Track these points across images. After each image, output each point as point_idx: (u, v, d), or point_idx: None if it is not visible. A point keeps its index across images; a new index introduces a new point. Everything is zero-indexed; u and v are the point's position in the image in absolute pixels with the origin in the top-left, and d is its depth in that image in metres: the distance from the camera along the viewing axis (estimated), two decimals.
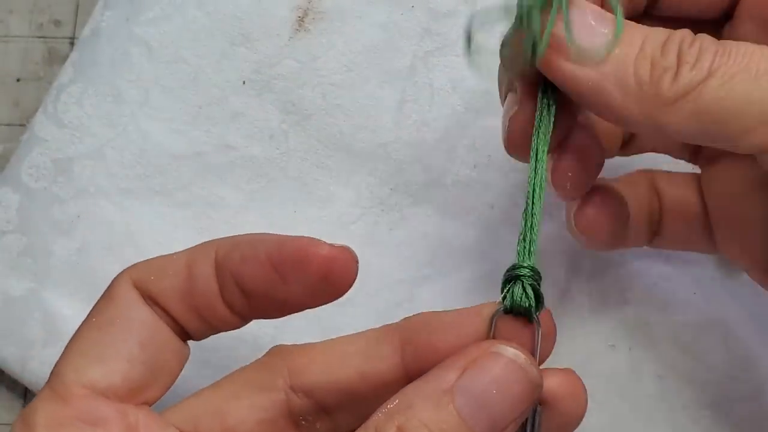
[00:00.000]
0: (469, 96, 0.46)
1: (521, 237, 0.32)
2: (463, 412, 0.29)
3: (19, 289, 0.45)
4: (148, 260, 0.35)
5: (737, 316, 0.44)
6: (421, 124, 0.46)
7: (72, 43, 0.50)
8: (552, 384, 0.32)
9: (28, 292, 0.45)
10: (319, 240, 0.33)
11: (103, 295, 0.34)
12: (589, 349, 0.44)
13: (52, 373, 0.33)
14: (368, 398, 0.33)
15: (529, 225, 0.32)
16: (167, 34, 0.47)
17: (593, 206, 0.38)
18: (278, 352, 0.34)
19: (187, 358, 0.35)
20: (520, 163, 0.45)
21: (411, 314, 0.34)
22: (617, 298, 0.44)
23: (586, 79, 0.31)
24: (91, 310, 0.34)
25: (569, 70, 0.31)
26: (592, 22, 0.31)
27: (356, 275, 0.33)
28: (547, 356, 0.33)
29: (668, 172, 0.41)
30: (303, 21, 0.47)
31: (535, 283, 0.32)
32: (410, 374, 0.32)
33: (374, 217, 0.45)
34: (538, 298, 0.31)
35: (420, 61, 0.46)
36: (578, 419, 0.33)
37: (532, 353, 0.31)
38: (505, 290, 0.32)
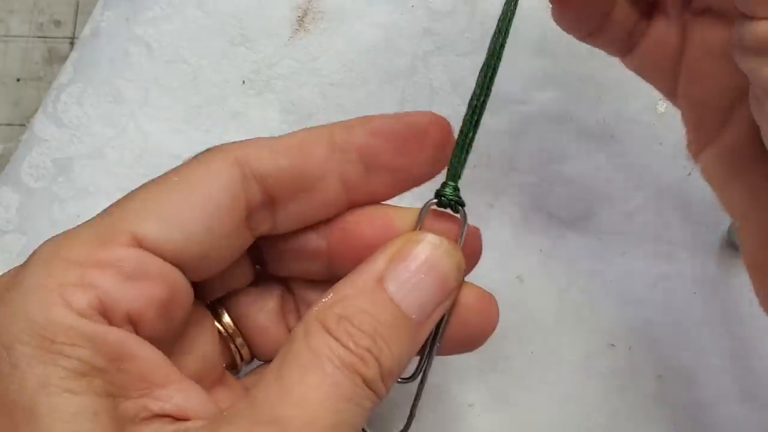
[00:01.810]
0: (468, 95, 0.45)
1: (453, 155, 0.34)
2: (396, 296, 0.30)
3: None
4: (252, 140, 0.33)
5: (736, 316, 0.44)
6: None
7: (72, 43, 0.50)
8: (469, 296, 0.33)
9: None
10: (430, 112, 0.34)
11: (193, 161, 0.32)
12: (589, 349, 0.44)
13: (101, 212, 0.31)
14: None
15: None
16: (167, 34, 0.47)
17: None
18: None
19: (236, 257, 0.33)
20: (519, 163, 0.46)
21: None
22: (617, 297, 0.44)
23: None
24: (173, 169, 0.32)
25: None
26: None
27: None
28: (470, 269, 0.34)
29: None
30: (303, 21, 0.47)
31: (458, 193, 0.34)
32: (332, 250, 0.34)
33: None
34: (462, 203, 0.34)
35: (420, 61, 0.47)
36: (484, 335, 0.34)
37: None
38: (435, 192, 0.34)
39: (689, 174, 0.45)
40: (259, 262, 0.36)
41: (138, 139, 0.46)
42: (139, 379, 0.29)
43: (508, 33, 0.35)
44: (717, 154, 0.36)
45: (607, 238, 0.45)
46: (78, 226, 0.30)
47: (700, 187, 0.45)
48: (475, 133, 0.35)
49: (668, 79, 0.39)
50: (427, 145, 0.34)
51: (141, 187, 0.32)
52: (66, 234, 0.30)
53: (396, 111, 0.46)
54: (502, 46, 0.35)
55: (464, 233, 0.34)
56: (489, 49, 0.35)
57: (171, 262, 0.31)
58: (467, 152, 0.34)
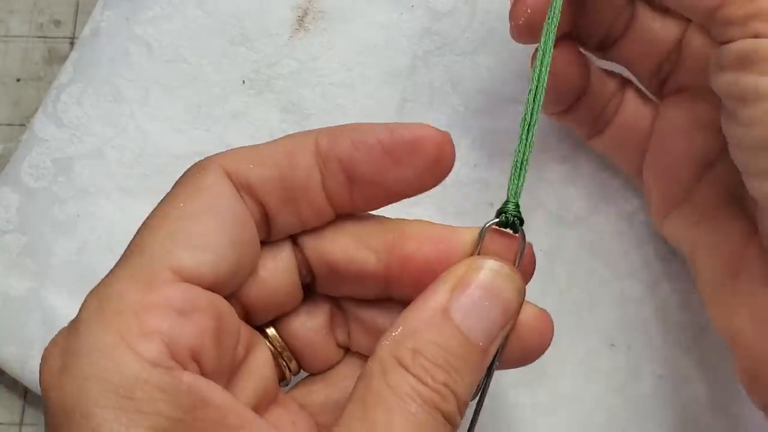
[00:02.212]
0: (468, 96, 0.46)
1: (513, 175, 0.35)
2: (463, 326, 0.31)
3: (19, 289, 0.45)
4: (237, 150, 0.33)
5: None
6: None
7: (72, 43, 0.50)
8: (526, 314, 0.33)
9: (28, 292, 0.45)
10: (426, 123, 0.34)
11: (185, 182, 0.33)
12: (588, 348, 0.44)
13: (126, 254, 0.31)
14: (346, 278, 0.34)
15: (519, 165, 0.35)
16: (167, 34, 0.47)
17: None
18: None
19: (256, 264, 0.34)
20: None
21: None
22: (617, 297, 0.44)
23: None
24: (169, 196, 0.32)
25: None
26: None
27: (454, 161, 0.34)
28: (528, 278, 0.34)
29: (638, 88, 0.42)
30: (303, 20, 0.47)
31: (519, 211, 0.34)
32: (389, 277, 0.34)
33: None
34: (522, 221, 0.34)
35: (420, 61, 0.46)
36: (540, 351, 0.35)
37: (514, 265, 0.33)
38: (498, 211, 0.34)
39: None
40: (309, 282, 0.36)
41: (138, 139, 0.46)
42: (216, 426, 0.29)
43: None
44: (683, 215, 0.39)
45: (608, 239, 0.45)
46: (112, 272, 0.30)
47: None
48: (530, 150, 0.35)
49: (635, 155, 0.41)
50: (417, 160, 0.33)
51: (155, 218, 0.32)
52: (106, 284, 0.30)
53: (396, 111, 0.46)
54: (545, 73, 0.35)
55: (523, 251, 0.34)
56: (535, 68, 0.35)
57: (210, 288, 0.31)
58: (525, 170, 0.34)
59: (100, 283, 0.30)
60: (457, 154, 0.45)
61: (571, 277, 0.45)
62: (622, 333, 0.44)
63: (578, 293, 0.45)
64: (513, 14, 0.37)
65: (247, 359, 0.34)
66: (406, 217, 0.35)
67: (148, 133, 0.46)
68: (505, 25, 0.38)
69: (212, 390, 0.29)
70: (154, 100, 0.47)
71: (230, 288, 0.32)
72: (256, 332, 0.35)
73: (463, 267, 0.32)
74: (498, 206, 0.33)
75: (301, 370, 0.37)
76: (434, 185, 0.34)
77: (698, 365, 0.43)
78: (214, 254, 0.31)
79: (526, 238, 0.34)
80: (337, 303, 0.37)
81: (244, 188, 0.33)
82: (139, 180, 0.46)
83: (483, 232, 0.34)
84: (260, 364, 0.34)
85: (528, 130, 0.34)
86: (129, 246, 0.31)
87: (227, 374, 0.32)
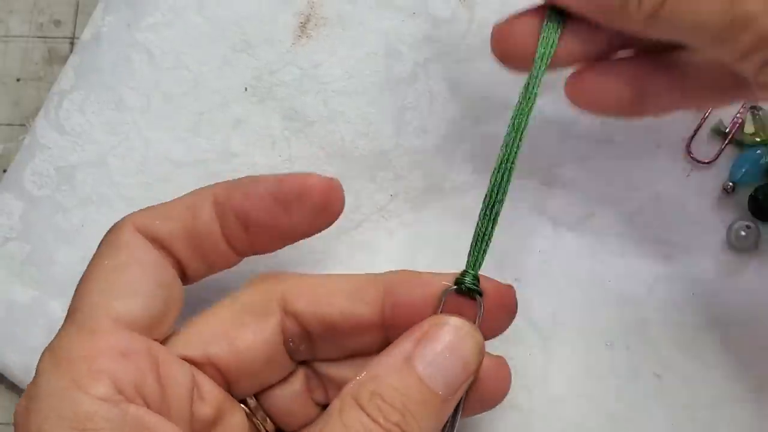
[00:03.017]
0: (468, 103, 0.46)
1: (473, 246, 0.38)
2: (423, 375, 0.34)
3: (23, 297, 0.45)
4: (146, 209, 0.38)
5: (735, 317, 0.44)
6: (421, 130, 0.46)
7: (72, 43, 0.50)
8: (484, 363, 0.36)
9: (32, 300, 0.45)
10: (313, 173, 0.37)
11: (106, 242, 0.37)
12: (587, 348, 0.44)
13: (70, 311, 0.35)
14: (345, 335, 0.38)
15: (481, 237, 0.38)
16: (168, 40, 0.47)
17: (592, 73, 0.39)
18: (272, 278, 0.39)
19: (182, 301, 0.38)
20: (518, 166, 0.45)
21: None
22: (616, 298, 0.45)
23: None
24: (95, 256, 0.36)
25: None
26: None
27: (343, 206, 0.38)
28: (498, 333, 0.39)
29: None
30: (305, 27, 0.47)
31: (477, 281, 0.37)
32: (386, 322, 0.37)
33: (375, 224, 0.46)
34: (480, 293, 0.37)
35: (420, 68, 0.46)
36: (500, 398, 0.38)
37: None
38: (456, 280, 0.37)
39: (688, 175, 0.45)
40: (297, 350, 0.39)
41: (140, 147, 0.46)
42: None
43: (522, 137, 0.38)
44: None
45: (607, 240, 0.45)
46: (62, 328, 0.35)
47: (699, 188, 0.45)
48: (493, 226, 0.37)
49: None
50: (304, 206, 0.37)
51: (87, 276, 0.36)
52: (57, 339, 0.34)
53: (396, 118, 0.46)
54: (516, 150, 0.38)
55: (480, 318, 0.37)
56: (502, 151, 0.38)
57: (146, 329, 0.35)
58: (486, 243, 0.37)
59: (53, 339, 0.34)
60: (456, 161, 0.46)
61: (570, 278, 0.45)
62: (621, 333, 0.44)
63: (577, 293, 0.45)
64: (492, 41, 0.39)
65: (221, 421, 0.37)
66: (401, 226, 0.40)
67: (150, 141, 0.46)
68: None
69: (156, 420, 0.32)
70: (155, 107, 0.47)
71: (164, 326, 0.36)
72: (228, 396, 0.38)
73: (429, 323, 0.35)
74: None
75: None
76: (327, 227, 0.38)
77: (697, 365, 0.44)
78: (143, 297, 0.35)
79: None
80: (311, 367, 0.40)
81: (154, 241, 0.37)
82: (142, 189, 0.46)
83: (443, 297, 0.37)
84: (234, 425, 0.38)
85: (492, 206, 0.37)
86: (71, 303, 0.35)
87: (185, 421, 0.35)
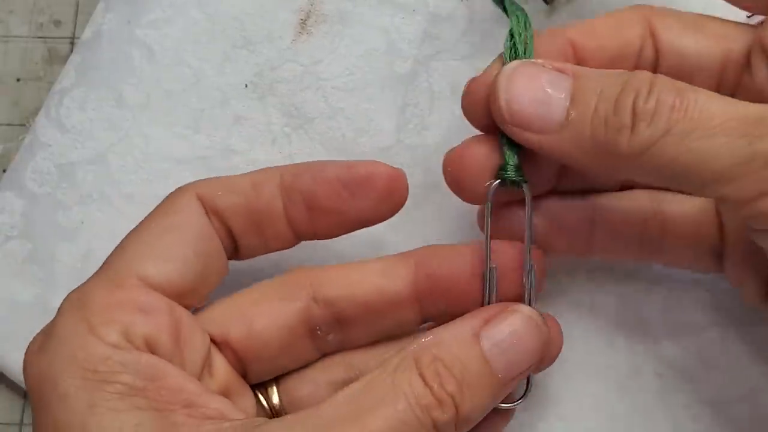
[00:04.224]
0: None
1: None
2: (487, 353, 0.33)
3: (25, 295, 0.45)
4: (212, 179, 0.38)
5: (736, 316, 0.44)
6: (421, 128, 0.46)
7: (72, 44, 0.50)
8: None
9: (33, 298, 0.45)
10: (380, 162, 0.38)
11: (162, 205, 0.37)
12: (588, 347, 0.44)
13: (104, 264, 0.36)
14: (382, 313, 0.38)
15: None
16: (168, 37, 0.47)
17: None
18: (301, 269, 0.39)
19: (224, 276, 0.38)
20: None
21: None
22: (616, 297, 0.44)
23: (548, 144, 0.34)
24: (148, 216, 0.37)
25: (532, 140, 0.34)
26: (548, 90, 0.34)
27: (406, 197, 0.38)
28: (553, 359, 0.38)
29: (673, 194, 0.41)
30: (305, 24, 0.47)
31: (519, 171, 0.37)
32: (421, 295, 0.38)
33: None
34: (524, 179, 0.37)
35: (420, 65, 0.47)
36: (554, 356, 0.38)
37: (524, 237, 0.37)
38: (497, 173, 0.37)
39: None
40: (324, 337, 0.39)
41: (140, 144, 0.46)
42: (177, 392, 0.33)
43: None
44: None
45: None
46: (90, 277, 0.36)
47: None
48: None
49: (708, 261, 0.41)
50: (369, 193, 0.37)
51: (130, 235, 0.37)
52: (84, 285, 0.35)
53: (397, 115, 0.46)
54: None
55: (530, 207, 0.37)
56: None
57: (175, 295, 0.36)
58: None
59: (79, 285, 0.35)
60: None
61: (570, 278, 0.45)
62: (622, 332, 0.44)
63: (578, 293, 0.45)
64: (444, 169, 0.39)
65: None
66: (401, 223, 0.40)
67: (150, 138, 0.46)
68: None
69: (170, 366, 0.33)
70: (156, 104, 0.47)
71: (196, 296, 0.37)
72: (240, 379, 0.38)
73: (501, 306, 0.35)
74: None
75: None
76: (390, 216, 0.39)
77: (699, 364, 0.44)
78: (176, 264, 0.36)
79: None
80: (336, 357, 0.40)
81: (213, 212, 0.37)
82: (142, 186, 0.46)
83: (489, 194, 0.37)
84: (241, 408, 0.37)
85: None
86: (109, 256, 0.36)
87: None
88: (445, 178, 0.38)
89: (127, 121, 0.46)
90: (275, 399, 0.39)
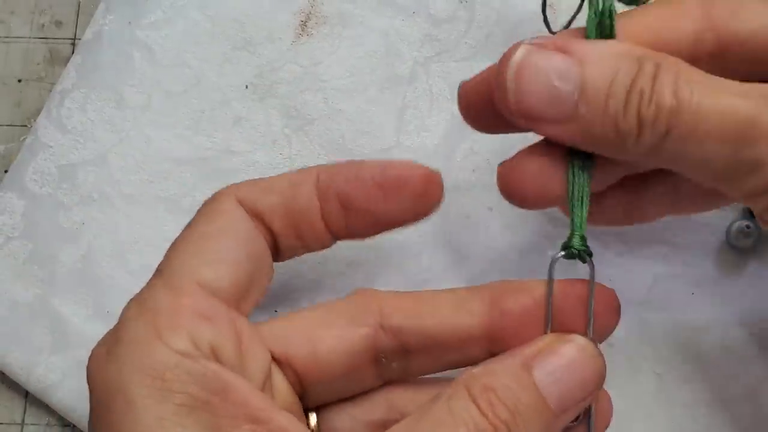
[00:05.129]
0: None
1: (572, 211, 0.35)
2: (540, 384, 0.32)
3: (26, 296, 0.45)
4: (250, 181, 0.38)
5: (736, 316, 0.44)
6: (421, 129, 0.46)
7: (73, 44, 0.50)
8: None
9: (34, 299, 0.45)
10: (415, 163, 0.38)
11: (205, 210, 0.37)
12: None
13: (158, 271, 0.35)
14: (449, 347, 0.37)
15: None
16: (169, 38, 0.47)
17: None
18: (370, 293, 0.38)
19: (271, 278, 0.38)
20: None
21: None
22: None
23: (559, 133, 0.33)
24: (192, 221, 0.37)
25: (542, 131, 0.34)
26: (557, 84, 0.32)
27: (442, 197, 0.38)
28: (608, 334, 0.37)
29: None
30: (306, 25, 0.47)
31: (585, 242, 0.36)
32: (492, 333, 0.36)
33: None
34: (589, 252, 0.36)
35: (420, 67, 0.47)
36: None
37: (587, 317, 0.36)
38: (563, 243, 0.36)
39: None
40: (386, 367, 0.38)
41: (141, 145, 0.46)
42: (242, 406, 0.32)
43: None
44: None
45: (607, 239, 0.45)
46: (148, 284, 0.35)
47: None
48: (589, 184, 0.35)
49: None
50: (405, 195, 0.37)
51: (180, 240, 0.36)
52: (144, 292, 0.35)
53: (397, 117, 0.46)
54: None
55: (593, 280, 0.36)
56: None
57: (230, 297, 0.35)
58: (586, 202, 0.35)
59: (140, 292, 0.35)
60: (456, 159, 0.46)
61: (570, 278, 0.45)
62: (621, 332, 0.44)
63: None
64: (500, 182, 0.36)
65: None
66: None
67: (150, 139, 0.46)
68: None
69: (236, 378, 0.32)
70: (156, 105, 0.47)
71: (250, 300, 0.37)
72: (299, 404, 0.38)
73: (553, 337, 0.34)
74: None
75: None
76: (424, 216, 0.38)
77: (697, 365, 0.44)
78: (230, 266, 0.35)
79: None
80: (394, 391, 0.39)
81: (253, 214, 0.37)
82: (142, 186, 0.46)
83: (552, 266, 0.36)
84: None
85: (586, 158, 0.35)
86: (161, 263, 0.36)
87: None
88: (501, 192, 0.36)
89: (127, 122, 0.47)
90: (312, 423, 0.39)
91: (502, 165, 0.36)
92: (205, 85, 0.47)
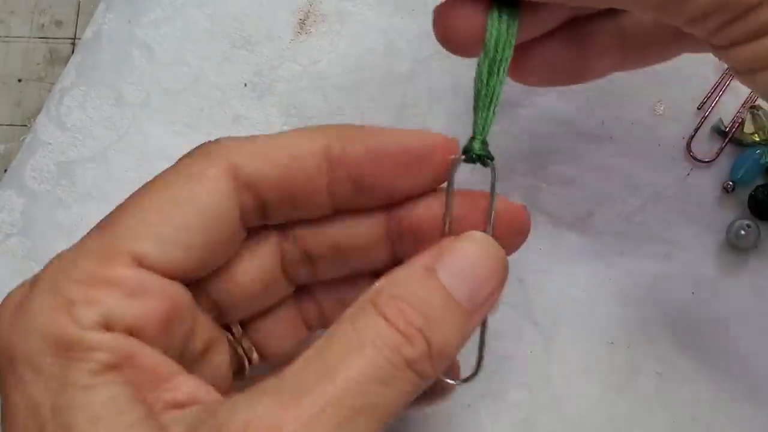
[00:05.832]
0: (467, 99, 0.45)
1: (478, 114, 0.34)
2: (447, 285, 0.31)
3: None
4: (248, 140, 0.34)
5: (735, 316, 0.44)
6: (420, 127, 0.46)
7: (73, 44, 0.50)
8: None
9: None
10: (437, 133, 0.35)
11: (188, 163, 0.33)
12: (588, 346, 0.44)
13: (98, 227, 0.32)
14: (352, 255, 0.36)
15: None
16: (168, 36, 0.47)
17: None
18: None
19: (238, 246, 0.35)
20: (519, 165, 0.46)
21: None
22: (617, 296, 0.45)
23: None
24: (165, 173, 0.33)
25: None
26: None
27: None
28: (509, 252, 0.34)
29: None
30: (304, 23, 0.47)
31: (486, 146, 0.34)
32: (393, 236, 0.35)
33: None
34: (490, 156, 0.35)
35: (420, 65, 0.47)
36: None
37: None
38: (464, 147, 0.34)
39: (688, 174, 0.45)
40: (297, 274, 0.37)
41: (140, 143, 0.46)
42: (151, 372, 0.30)
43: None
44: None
45: (607, 239, 0.45)
46: (80, 241, 0.32)
47: (699, 188, 0.45)
48: (500, 85, 0.34)
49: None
50: (426, 170, 0.34)
51: (137, 197, 0.33)
52: (70, 252, 0.31)
53: (396, 114, 0.46)
54: None
55: (494, 186, 0.35)
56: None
57: (170, 277, 0.32)
58: (494, 105, 0.34)
59: (70, 248, 0.31)
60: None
61: (570, 277, 0.45)
62: (622, 332, 0.44)
63: (578, 292, 0.45)
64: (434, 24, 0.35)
65: (207, 355, 0.35)
66: None
67: (149, 136, 0.46)
68: None
69: (143, 347, 0.30)
70: (155, 103, 0.47)
71: (201, 273, 0.33)
72: (218, 328, 0.36)
73: (452, 238, 0.33)
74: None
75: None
76: (436, 186, 0.35)
77: (697, 364, 0.44)
78: (183, 252, 0.32)
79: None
80: (309, 292, 0.38)
81: (244, 183, 0.33)
82: (141, 184, 0.46)
83: (452, 169, 0.34)
84: (219, 360, 0.35)
85: (498, 63, 0.34)
86: (108, 215, 0.32)
87: (177, 359, 0.32)
88: (435, 37, 0.35)
89: (126, 119, 0.47)
90: (245, 343, 0.37)
91: (436, 8, 0.35)
92: (204, 84, 0.47)
